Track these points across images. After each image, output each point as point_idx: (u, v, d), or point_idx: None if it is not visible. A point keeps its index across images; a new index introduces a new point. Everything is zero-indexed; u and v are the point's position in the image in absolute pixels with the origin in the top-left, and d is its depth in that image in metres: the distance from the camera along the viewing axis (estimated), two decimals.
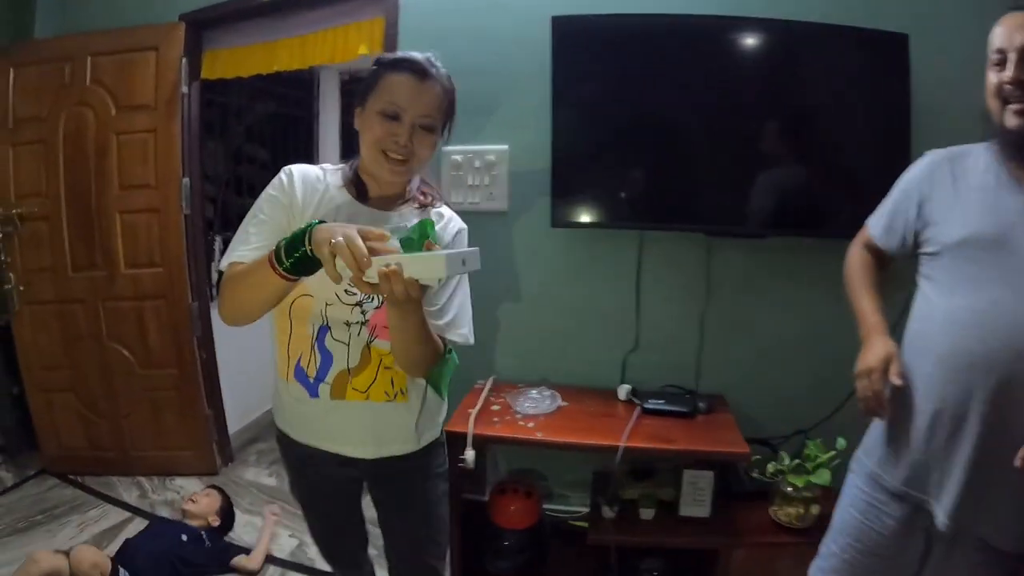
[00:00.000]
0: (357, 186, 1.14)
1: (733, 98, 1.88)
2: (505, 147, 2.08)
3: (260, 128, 3.12)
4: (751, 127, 1.87)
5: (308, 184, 1.12)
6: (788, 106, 1.89)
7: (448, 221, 1.16)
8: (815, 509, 1.81)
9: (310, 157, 3.41)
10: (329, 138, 3.46)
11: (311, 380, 1.15)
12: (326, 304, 1.10)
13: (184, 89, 2.43)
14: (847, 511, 1.34)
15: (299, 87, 3.30)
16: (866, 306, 1.30)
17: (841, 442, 1.75)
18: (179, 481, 2.67)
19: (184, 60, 2.40)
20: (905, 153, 1.68)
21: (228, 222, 2.98)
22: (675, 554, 1.91)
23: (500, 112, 2.07)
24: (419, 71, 1.05)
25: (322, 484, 1.33)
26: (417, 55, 1.08)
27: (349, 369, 1.13)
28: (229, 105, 2.93)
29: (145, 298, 2.56)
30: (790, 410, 2.07)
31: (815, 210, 1.94)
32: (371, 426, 1.19)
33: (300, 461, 1.29)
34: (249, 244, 1.07)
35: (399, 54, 1.10)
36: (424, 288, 0.87)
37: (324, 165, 1.18)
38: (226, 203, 3.01)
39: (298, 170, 1.14)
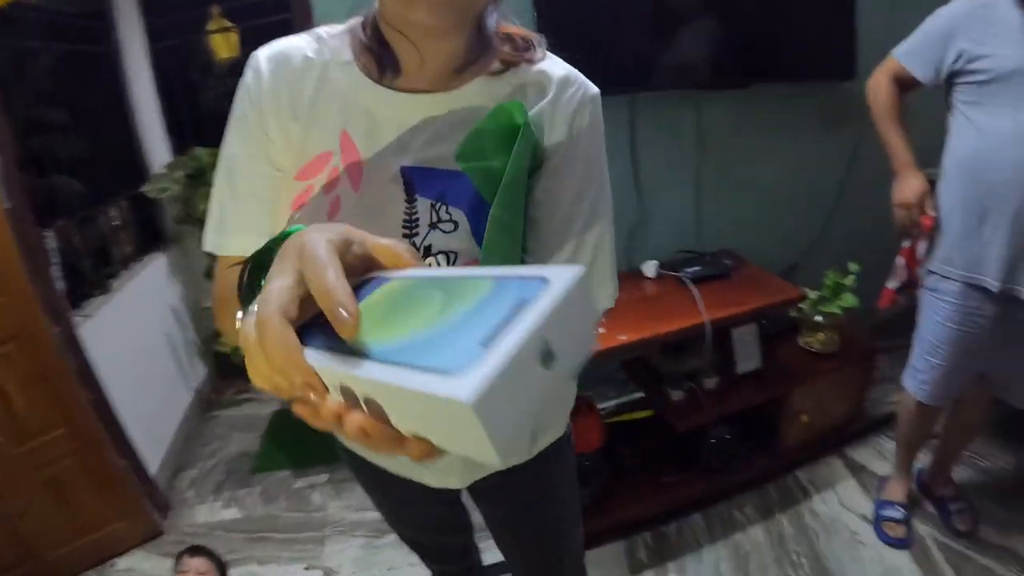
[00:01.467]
0: (379, 54, 0.63)
1: None
2: None
3: (46, 81, 2.20)
4: None
5: (285, 77, 0.63)
6: None
7: (560, 91, 0.66)
8: (835, 333, 1.96)
9: (120, 101, 2.52)
10: (142, 74, 2.59)
11: None
12: None
13: None
14: (940, 326, 1.45)
15: (86, 18, 2.35)
16: (897, 142, 1.45)
17: (853, 266, 1.86)
18: (121, 563, 2.01)
19: None
20: None
21: (55, 206, 2.14)
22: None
23: None
24: None
25: (403, 509, 1.06)
26: None
27: None
28: None
29: None
30: (781, 248, 2.16)
31: (790, 56, 1.96)
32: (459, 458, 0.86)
33: (374, 483, 0.99)
34: (226, 226, 0.67)
35: None
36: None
37: (320, 29, 0.67)
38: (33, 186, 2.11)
39: (268, 58, 0.64)
